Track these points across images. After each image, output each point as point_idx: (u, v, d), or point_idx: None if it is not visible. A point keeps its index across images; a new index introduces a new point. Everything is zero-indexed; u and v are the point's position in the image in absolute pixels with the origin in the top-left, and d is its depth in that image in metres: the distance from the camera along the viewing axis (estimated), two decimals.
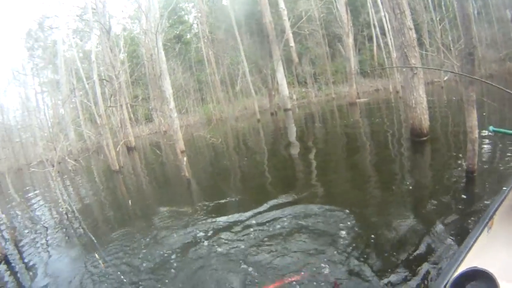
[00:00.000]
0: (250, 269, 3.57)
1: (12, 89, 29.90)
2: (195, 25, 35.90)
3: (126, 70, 29.63)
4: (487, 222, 2.21)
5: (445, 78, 20.81)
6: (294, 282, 3.10)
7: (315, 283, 3.06)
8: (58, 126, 19.25)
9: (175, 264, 4.09)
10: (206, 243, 4.47)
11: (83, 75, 23.16)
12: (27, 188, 15.05)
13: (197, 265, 3.92)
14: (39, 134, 19.65)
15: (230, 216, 5.31)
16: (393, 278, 2.97)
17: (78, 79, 24.80)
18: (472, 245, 1.92)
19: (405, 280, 2.91)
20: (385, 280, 2.96)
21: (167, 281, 3.74)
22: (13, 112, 30.08)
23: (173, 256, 4.29)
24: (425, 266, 3.01)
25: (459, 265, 1.74)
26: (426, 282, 2.82)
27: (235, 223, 4.96)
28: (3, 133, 26.20)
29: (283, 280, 3.14)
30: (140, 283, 3.84)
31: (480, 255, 1.92)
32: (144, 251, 4.67)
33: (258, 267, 3.56)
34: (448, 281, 1.63)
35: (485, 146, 6.41)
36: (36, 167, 12.61)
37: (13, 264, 5.44)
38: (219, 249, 4.20)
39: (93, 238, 5.68)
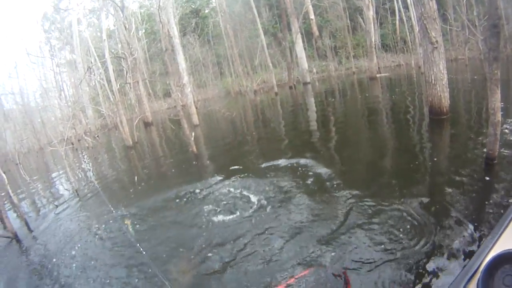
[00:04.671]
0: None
1: (30, 72, 30.19)
2: None
3: (143, 46, 29.39)
4: None
5: None
6: (304, 278, 2.93)
7: (323, 274, 2.95)
8: (76, 105, 19.33)
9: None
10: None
11: (95, 54, 22.96)
12: (44, 167, 15.39)
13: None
14: (59, 113, 19.89)
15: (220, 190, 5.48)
16: (418, 263, 2.84)
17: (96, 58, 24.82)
18: (506, 227, 1.77)
19: (431, 267, 2.77)
20: (411, 265, 2.83)
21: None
22: (33, 94, 30.52)
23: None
24: (440, 252, 2.90)
25: (491, 248, 1.63)
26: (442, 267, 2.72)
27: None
28: (23, 115, 26.71)
29: (293, 278, 2.95)
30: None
31: None
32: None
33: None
34: (480, 264, 1.54)
35: (508, 130, 5.49)
36: (54, 146, 12.82)
37: (23, 242, 5.52)
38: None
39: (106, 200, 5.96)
